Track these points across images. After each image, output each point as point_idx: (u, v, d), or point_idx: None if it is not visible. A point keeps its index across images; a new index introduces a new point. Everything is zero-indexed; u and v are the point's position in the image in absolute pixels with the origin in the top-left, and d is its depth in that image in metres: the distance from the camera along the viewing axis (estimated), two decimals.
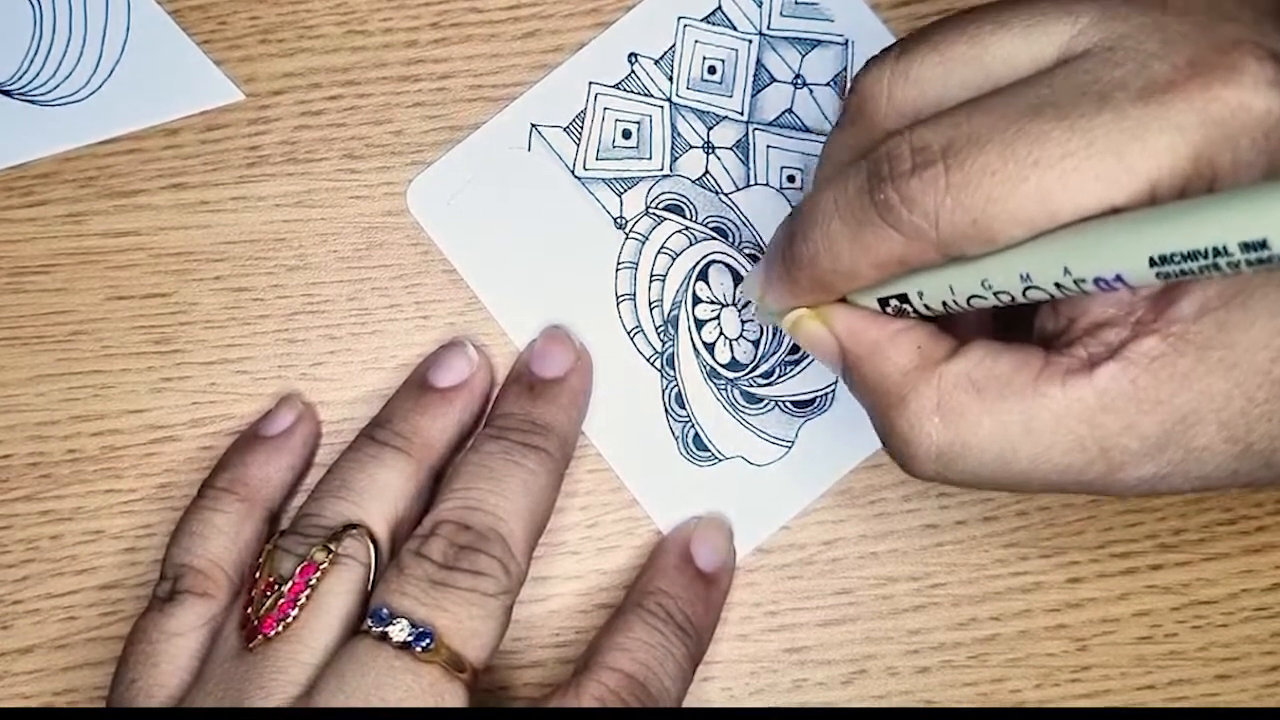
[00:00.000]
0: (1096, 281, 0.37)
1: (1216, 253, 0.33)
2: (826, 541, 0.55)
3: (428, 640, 0.46)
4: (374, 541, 0.49)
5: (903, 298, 0.43)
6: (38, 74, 0.55)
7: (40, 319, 0.55)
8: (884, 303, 0.44)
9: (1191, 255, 0.34)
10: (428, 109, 0.56)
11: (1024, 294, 0.39)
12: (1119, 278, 0.36)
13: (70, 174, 0.55)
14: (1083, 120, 0.38)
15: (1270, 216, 0.32)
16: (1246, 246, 0.33)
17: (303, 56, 0.56)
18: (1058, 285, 0.38)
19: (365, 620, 0.47)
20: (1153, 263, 0.35)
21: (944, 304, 0.42)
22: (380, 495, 0.50)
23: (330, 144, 0.56)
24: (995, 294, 0.40)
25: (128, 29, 0.55)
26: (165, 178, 0.55)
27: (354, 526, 0.49)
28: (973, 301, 0.41)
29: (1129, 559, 0.55)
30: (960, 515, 0.55)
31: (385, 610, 0.46)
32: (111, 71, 0.55)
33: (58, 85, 0.55)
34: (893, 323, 0.44)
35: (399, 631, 0.46)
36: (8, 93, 0.55)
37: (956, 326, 0.44)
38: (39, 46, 0.55)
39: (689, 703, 0.51)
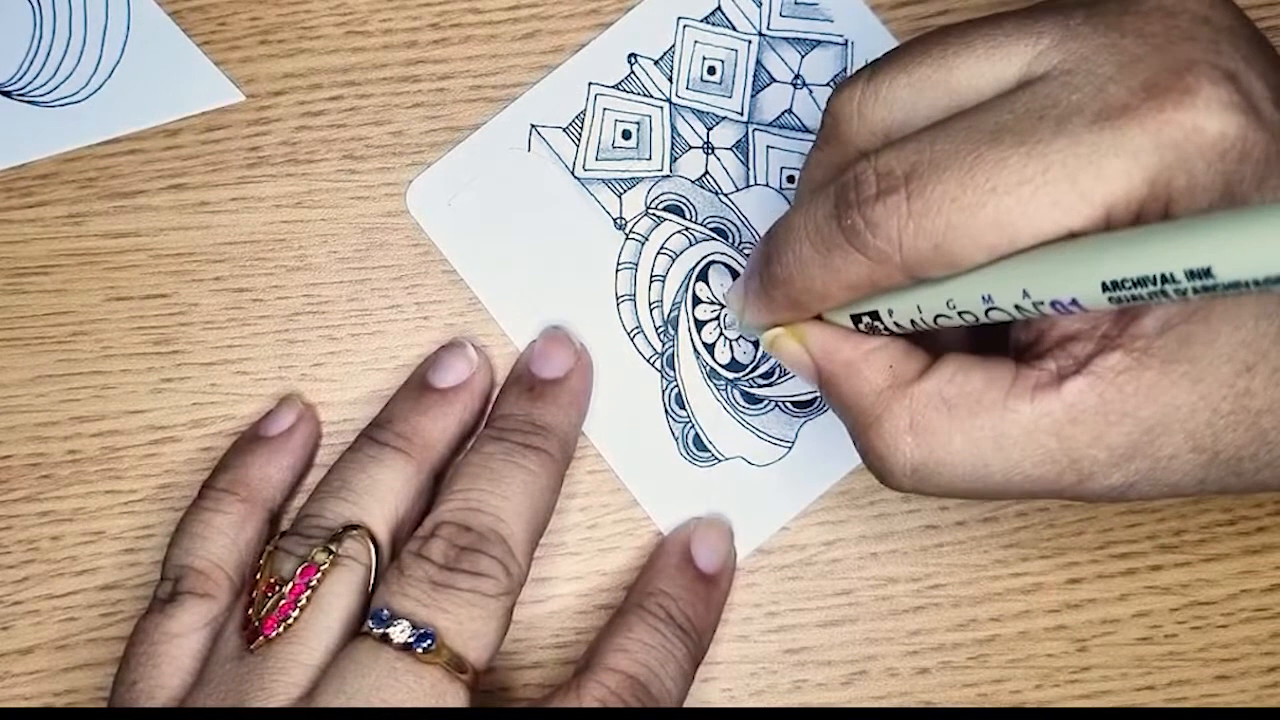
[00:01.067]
0: (1053, 304, 0.38)
1: (1164, 279, 0.34)
2: (826, 542, 0.55)
3: (429, 641, 0.46)
4: (374, 542, 0.49)
5: (874, 315, 0.43)
6: (38, 75, 0.55)
7: (40, 320, 0.55)
8: (857, 320, 0.44)
9: (1140, 281, 0.34)
10: (428, 109, 0.56)
11: (986, 314, 0.40)
12: (1074, 301, 0.37)
13: (70, 175, 0.55)
14: (1039, 146, 0.38)
15: (1215, 245, 0.33)
16: (1192, 274, 0.33)
17: (303, 57, 0.56)
18: (1017, 307, 0.39)
19: (366, 622, 0.47)
20: (1105, 288, 0.35)
21: (912, 322, 0.42)
22: (381, 496, 0.50)
23: (330, 145, 0.56)
24: (960, 314, 0.41)
25: (128, 30, 0.56)
26: (165, 179, 0.55)
27: (354, 527, 0.49)
28: (939, 320, 0.42)
29: (1129, 560, 0.55)
30: (960, 516, 0.55)
31: (386, 611, 0.46)
32: (111, 72, 0.55)
33: (58, 86, 0.55)
34: (866, 341, 0.45)
35: (400, 633, 0.46)
36: (8, 93, 0.55)
37: (931, 340, 0.45)
38: (39, 47, 0.55)
39: (689, 703, 0.51)
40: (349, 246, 0.55)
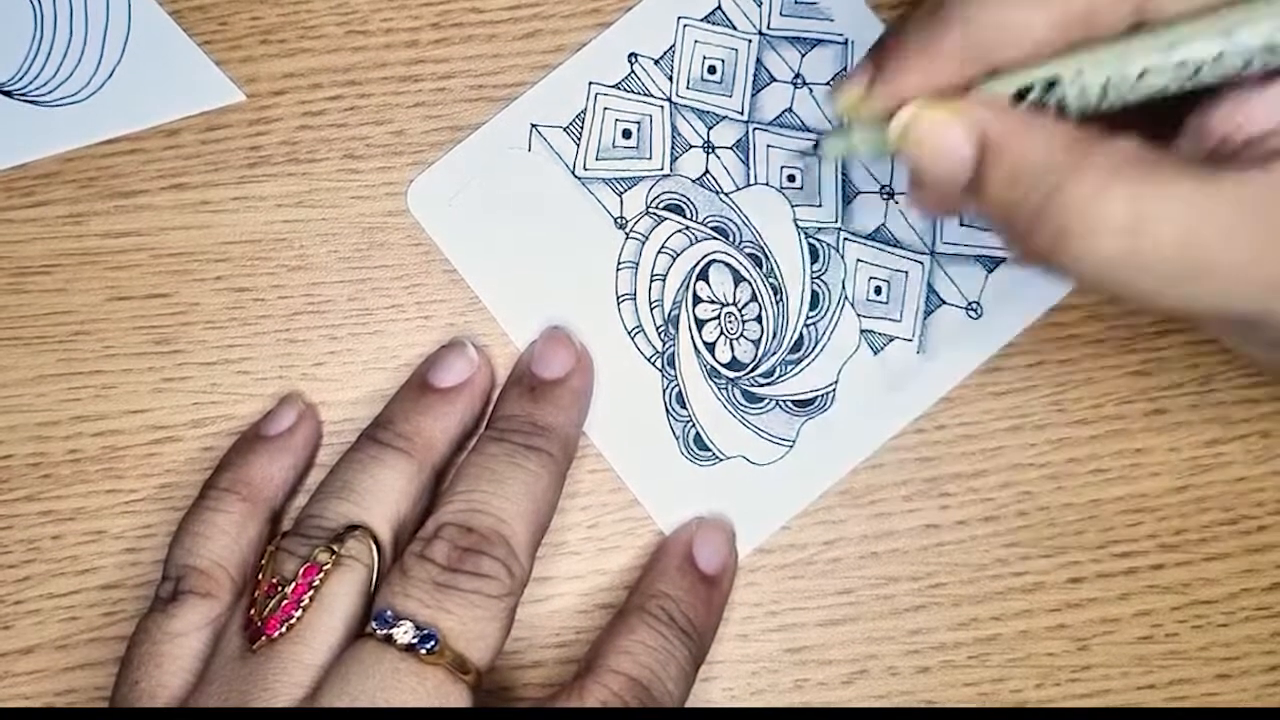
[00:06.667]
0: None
1: None
2: (827, 541, 0.55)
3: (432, 643, 0.46)
4: (376, 542, 0.49)
5: (1052, 84, 0.40)
6: (39, 74, 0.55)
7: (41, 319, 0.55)
8: (1022, 96, 0.40)
9: None
10: (429, 109, 0.56)
11: (1194, 76, 0.38)
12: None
13: (71, 174, 0.55)
14: None
15: None
16: None
17: (303, 57, 0.56)
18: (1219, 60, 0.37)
19: (369, 623, 0.47)
20: None
21: (1102, 90, 0.39)
22: (382, 496, 0.50)
23: (331, 144, 0.56)
24: (1167, 77, 0.38)
25: (128, 29, 0.55)
26: (166, 178, 0.55)
27: (356, 528, 0.49)
28: (1134, 89, 0.39)
29: (1130, 559, 0.55)
30: (961, 515, 0.55)
31: (389, 612, 0.46)
32: (112, 72, 0.55)
33: (59, 85, 0.55)
34: (1035, 115, 0.40)
35: (403, 634, 0.46)
36: (9, 93, 0.55)
37: None
38: (40, 47, 0.55)
39: (691, 702, 0.51)
40: (350, 246, 0.55)
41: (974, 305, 0.55)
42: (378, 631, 0.46)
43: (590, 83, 0.56)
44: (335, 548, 0.48)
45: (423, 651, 0.46)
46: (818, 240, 0.55)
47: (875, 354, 0.55)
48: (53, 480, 0.55)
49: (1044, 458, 0.55)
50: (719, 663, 0.54)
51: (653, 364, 0.55)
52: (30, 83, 0.55)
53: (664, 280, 0.55)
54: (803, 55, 0.56)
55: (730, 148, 0.56)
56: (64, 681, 0.55)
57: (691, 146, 0.56)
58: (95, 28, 0.55)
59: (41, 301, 0.55)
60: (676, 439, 0.55)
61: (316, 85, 0.56)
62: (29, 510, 0.55)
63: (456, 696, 0.46)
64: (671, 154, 0.56)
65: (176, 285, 0.55)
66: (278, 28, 0.56)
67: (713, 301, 0.55)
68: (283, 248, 0.55)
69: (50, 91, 0.55)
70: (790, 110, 0.56)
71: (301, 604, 0.47)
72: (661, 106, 0.56)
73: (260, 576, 0.49)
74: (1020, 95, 0.40)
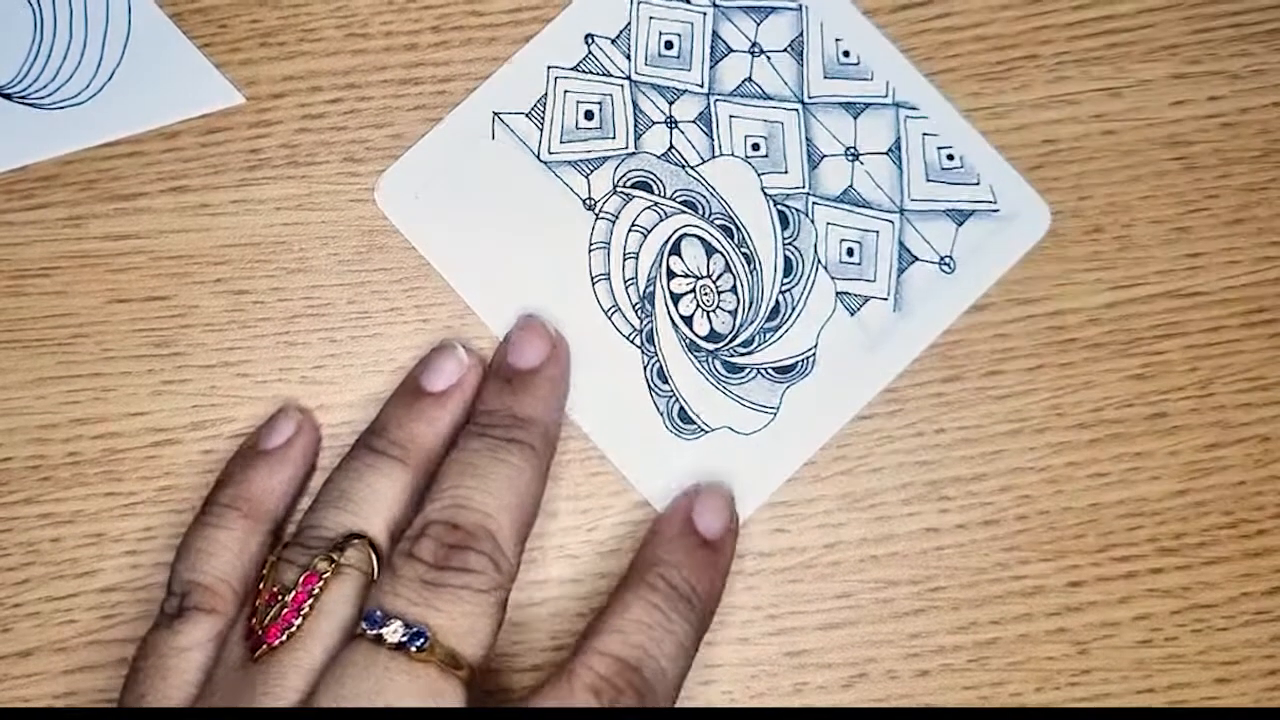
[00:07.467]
0: None
1: None
2: (827, 545, 0.55)
3: (422, 640, 0.46)
4: (375, 550, 0.49)
5: None
6: (38, 77, 0.56)
7: (41, 322, 0.55)
8: None
9: None
10: (428, 111, 0.56)
11: None
12: None
13: (71, 177, 0.56)
14: None
15: None
16: None
17: (303, 60, 0.56)
18: None
19: (360, 624, 0.47)
20: None
21: None
22: (380, 505, 0.50)
23: (331, 147, 0.56)
24: None
25: (128, 32, 0.56)
26: (166, 181, 0.56)
27: (355, 536, 0.49)
28: None
29: (1129, 563, 0.54)
30: (960, 519, 0.55)
31: (379, 612, 0.46)
32: (112, 74, 0.56)
33: (58, 88, 0.56)
34: None
35: (393, 633, 0.46)
36: (8, 95, 0.56)
37: None
38: (39, 49, 0.56)
39: (690, 702, 0.51)
40: (349, 249, 0.56)
41: (947, 260, 0.55)
42: (368, 632, 0.46)
43: (549, 66, 0.56)
44: (335, 556, 0.48)
45: (413, 649, 0.45)
46: (787, 207, 0.55)
47: (852, 315, 0.55)
48: (52, 483, 0.55)
49: (1043, 461, 0.55)
50: (718, 666, 0.54)
51: (631, 342, 0.55)
52: (30, 85, 0.56)
53: (637, 258, 0.55)
54: (758, 24, 0.56)
55: (693, 121, 0.56)
56: (63, 684, 0.55)
57: (654, 123, 0.56)
58: (95, 30, 0.56)
59: (41, 304, 0.55)
60: (661, 414, 0.55)
61: (316, 88, 0.56)
62: (28, 513, 0.55)
63: (450, 693, 0.46)
64: (635, 132, 0.56)
65: (176, 288, 0.55)
66: (277, 30, 0.56)
67: (687, 275, 0.55)
68: (282, 250, 0.56)
69: (50, 94, 0.56)
70: (750, 79, 0.56)
71: (302, 612, 0.47)
72: (621, 85, 0.56)
73: (261, 586, 0.49)
74: None
